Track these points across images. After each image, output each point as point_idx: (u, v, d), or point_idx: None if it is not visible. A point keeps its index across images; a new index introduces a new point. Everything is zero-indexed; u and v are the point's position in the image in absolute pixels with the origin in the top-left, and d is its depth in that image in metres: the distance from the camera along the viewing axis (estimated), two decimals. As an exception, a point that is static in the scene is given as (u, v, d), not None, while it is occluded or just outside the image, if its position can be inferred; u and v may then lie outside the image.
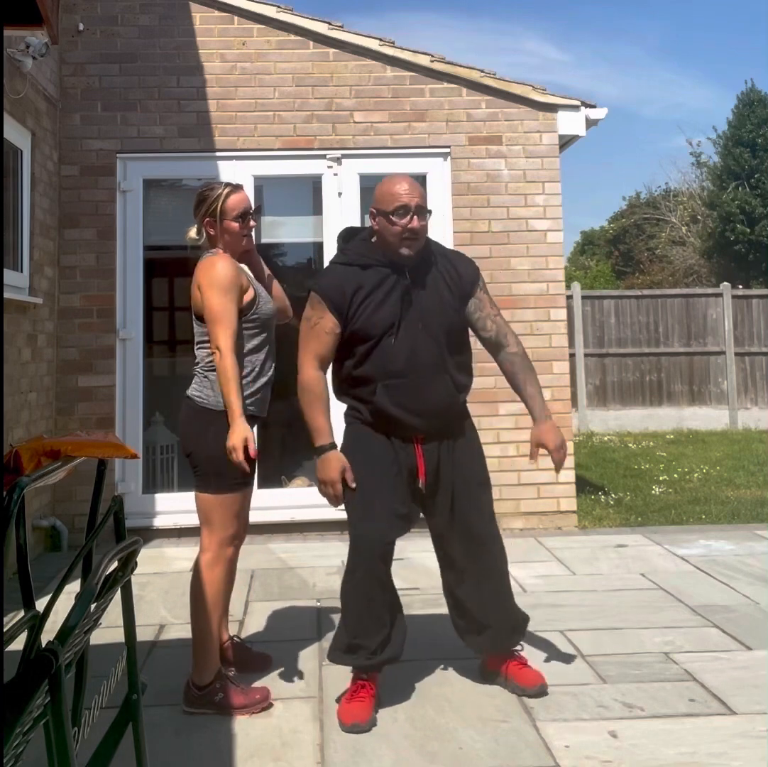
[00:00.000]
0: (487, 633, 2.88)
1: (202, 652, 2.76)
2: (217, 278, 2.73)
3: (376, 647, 2.73)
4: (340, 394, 2.89)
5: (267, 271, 3.06)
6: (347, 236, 2.94)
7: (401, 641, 2.79)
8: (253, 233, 2.94)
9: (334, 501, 2.73)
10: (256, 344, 2.84)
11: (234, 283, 2.74)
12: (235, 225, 2.83)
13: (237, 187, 2.90)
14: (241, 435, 2.60)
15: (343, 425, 2.88)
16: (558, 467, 2.80)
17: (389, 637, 2.75)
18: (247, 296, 2.80)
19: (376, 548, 2.70)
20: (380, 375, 2.73)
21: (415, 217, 2.72)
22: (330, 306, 2.72)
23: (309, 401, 2.76)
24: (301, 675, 3.06)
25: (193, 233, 2.94)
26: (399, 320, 2.72)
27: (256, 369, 2.83)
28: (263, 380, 2.85)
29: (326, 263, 3.04)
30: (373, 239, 2.84)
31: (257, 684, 2.93)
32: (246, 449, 2.59)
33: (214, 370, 2.79)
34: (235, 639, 3.14)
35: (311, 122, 5.57)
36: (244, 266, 2.96)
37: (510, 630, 2.92)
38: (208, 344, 2.81)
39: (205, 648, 2.76)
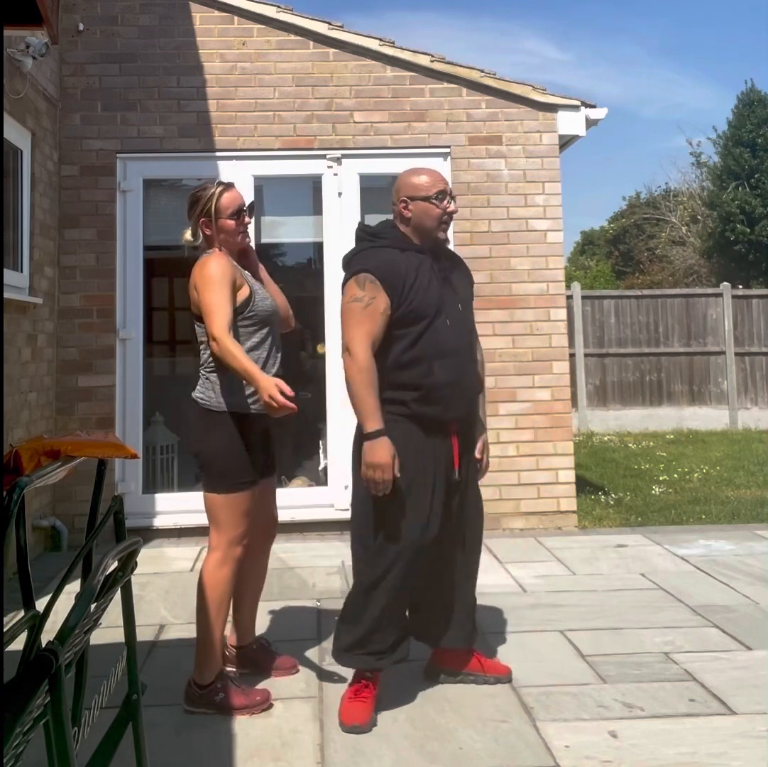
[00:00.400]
0: (472, 624, 2.96)
1: (205, 651, 2.77)
2: (208, 275, 2.75)
3: (388, 647, 2.73)
4: (382, 387, 2.70)
5: (265, 275, 3.05)
6: (367, 227, 2.97)
7: (408, 642, 2.83)
8: (248, 230, 2.94)
9: (382, 487, 2.62)
10: (256, 342, 2.84)
11: (226, 277, 2.75)
12: (231, 223, 2.85)
13: (229, 186, 2.91)
14: (269, 386, 2.54)
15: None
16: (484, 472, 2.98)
17: (401, 638, 2.78)
18: (242, 294, 2.81)
19: (418, 548, 2.70)
20: (434, 355, 2.72)
21: (452, 201, 2.83)
22: (385, 286, 2.69)
23: (366, 382, 2.64)
24: (301, 675, 3.06)
25: (188, 235, 2.95)
26: (442, 301, 2.78)
27: (261, 366, 2.83)
28: None
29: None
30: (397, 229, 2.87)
31: (258, 684, 2.93)
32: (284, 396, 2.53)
33: (214, 371, 2.81)
34: (263, 641, 3.14)
35: (311, 122, 5.57)
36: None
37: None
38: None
39: (207, 648, 2.76)
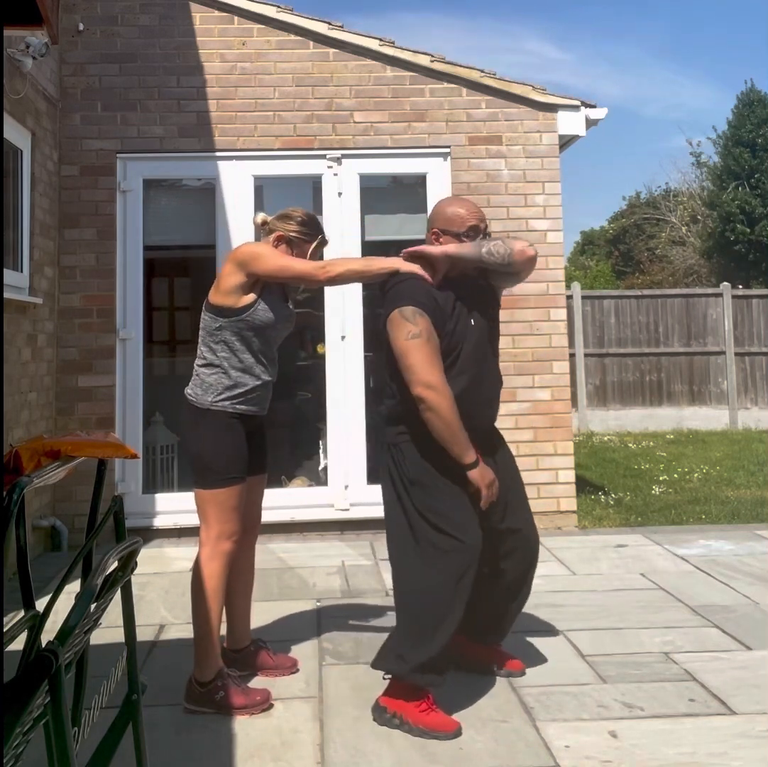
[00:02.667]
0: (504, 622, 3.03)
1: (203, 647, 2.77)
2: (259, 250, 2.85)
3: (447, 660, 2.70)
4: (408, 412, 2.70)
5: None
6: None
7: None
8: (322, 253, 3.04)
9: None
10: (252, 346, 2.85)
11: (269, 249, 2.86)
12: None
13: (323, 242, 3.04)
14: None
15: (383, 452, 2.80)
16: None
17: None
18: (247, 299, 2.82)
19: (477, 557, 2.68)
20: (458, 384, 2.70)
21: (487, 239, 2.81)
22: (433, 319, 2.67)
23: (457, 414, 2.62)
24: (301, 675, 3.06)
25: (259, 218, 3.05)
26: (467, 329, 2.78)
27: (249, 370, 2.85)
28: (257, 383, 2.87)
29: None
30: None
31: (258, 684, 2.93)
32: None
33: (204, 366, 2.86)
34: (260, 643, 3.13)
35: (311, 122, 5.57)
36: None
37: None
38: (208, 335, 2.85)
39: (205, 643, 2.77)
